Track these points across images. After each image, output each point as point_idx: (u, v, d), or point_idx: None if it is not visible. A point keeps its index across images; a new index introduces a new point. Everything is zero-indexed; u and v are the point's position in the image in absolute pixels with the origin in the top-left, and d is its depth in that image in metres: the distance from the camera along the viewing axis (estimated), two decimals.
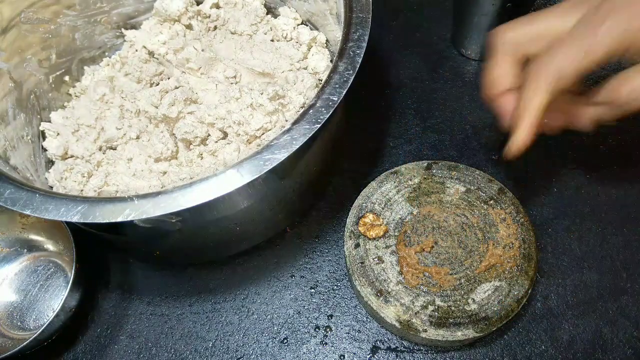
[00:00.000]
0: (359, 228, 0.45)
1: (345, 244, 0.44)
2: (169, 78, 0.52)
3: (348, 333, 0.45)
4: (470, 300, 0.41)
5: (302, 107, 0.46)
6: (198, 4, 0.55)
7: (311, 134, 0.35)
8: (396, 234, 0.44)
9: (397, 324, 0.40)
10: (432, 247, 0.43)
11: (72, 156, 0.48)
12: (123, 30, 0.55)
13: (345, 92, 0.37)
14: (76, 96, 0.53)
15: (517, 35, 0.36)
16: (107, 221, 0.33)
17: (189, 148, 0.47)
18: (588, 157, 0.52)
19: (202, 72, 0.50)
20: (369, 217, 0.45)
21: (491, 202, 0.45)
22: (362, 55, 0.38)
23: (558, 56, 0.33)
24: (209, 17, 0.54)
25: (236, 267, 0.49)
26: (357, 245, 0.44)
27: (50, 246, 0.50)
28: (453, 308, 0.40)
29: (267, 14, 0.55)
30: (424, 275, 0.42)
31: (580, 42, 0.32)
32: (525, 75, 0.35)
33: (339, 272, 0.48)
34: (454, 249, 0.43)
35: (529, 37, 0.35)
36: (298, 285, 0.47)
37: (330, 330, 0.45)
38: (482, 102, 0.56)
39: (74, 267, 0.43)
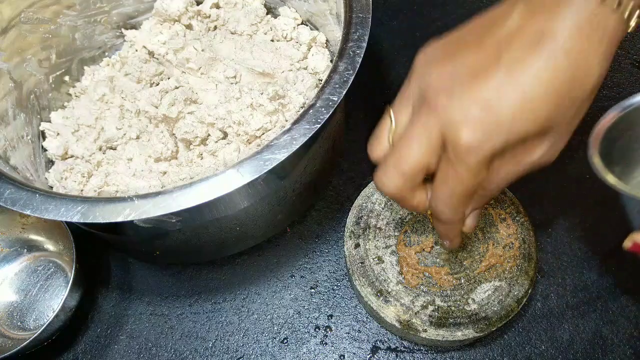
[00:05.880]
0: (429, 210, 0.43)
1: (345, 244, 0.44)
2: (169, 78, 0.52)
3: (348, 333, 0.45)
4: (470, 300, 0.41)
5: (302, 107, 0.46)
6: (198, 4, 0.55)
7: (311, 134, 0.35)
8: (396, 234, 0.44)
9: (397, 324, 0.40)
10: (432, 247, 0.43)
11: (72, 156, 0.48)
12: (123, 30, 0.55)
13: (345, 92, 0.37)
14: (76, 96, 0.53)
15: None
16: (107, 221, 0.33)
17: (189, 148, 0.47)
18: (588, 157, 0.52)
19: (202, 72, 0.50)
20: None
21: (491, 202, 0.45)
22: (362, 55, 0.38)
23: (447, 191, 0.31)
24: (209, 17, 0.54)
25: (236, 267, 0.49)
26: (357, 245, 0.44)
27: (50, 246, 0.50)
28: (453, 308, 0.40)
29: (267, 14, 0.55)
30: (424, 275, 0.42)
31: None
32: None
33: (339, 272, 0.48)
34: (454, 249, 0.43)
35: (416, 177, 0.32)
36: (298, 285, 0.47)
37: (330, 330, 0.45)
38: None
39: (74, 267, 0.43)
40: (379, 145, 0.34)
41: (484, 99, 0.28)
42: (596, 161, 0.33)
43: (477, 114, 0.28)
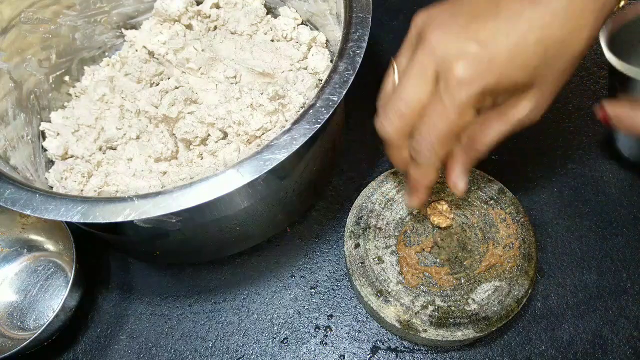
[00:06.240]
0: (428, 209, 0.44)
1: (345, 244, 0.44)
2: (169, 78, 0.52)
3: (348, 333, 0.45)
4: (470, 300, 0.41)
5: (302, 107, 0.46)
6: (198, 4, 0.55)
7: (311, 134, 0.35)
8: (396, 234, 0.44)
9: (397, 324, 0.40)
10: (432, 247, 0.43)
11: (72, 156, 0.48)
12: (123, 30, 0.55)
13: (345, 92, 0.37)
14: (76, 96, 0.53)
15: (398, 131, 0.33)
16: (107, 221, 0.33)
17: (189, 148, 0.47)
18: (588, 157, 0.52)
19: (202, 72, 0.50)
20: (443, 206, 0.44)
21: (491, 202, 0.45)
22: (362, 55, 0.38)
23: (429, 127, 0.32)
24: (209, 17, 0.54)
25: (236, 267, 0.49)
26: (357, 245, 0.44)
27: (50, 246, 0.50)
28: (453, 308, 0.40)
29: (267, 14, 0.55)
30: (424, 275, 0.42)
31: (443, 106, 0.31)
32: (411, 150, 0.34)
33: (339, 272, 0.48)
34: (454, 249, 0.43)
35: (407, 125, 0.33)
36: (298, 285, 0.47)
37: (330, 330, 0.45)
38: None
39: (74, 267, 0.43)
40: (385, 95, 0.35)
41: (481, 38, 0.29)
42: (602, 43, 0.37)
43: (473, 50, 0.29)
